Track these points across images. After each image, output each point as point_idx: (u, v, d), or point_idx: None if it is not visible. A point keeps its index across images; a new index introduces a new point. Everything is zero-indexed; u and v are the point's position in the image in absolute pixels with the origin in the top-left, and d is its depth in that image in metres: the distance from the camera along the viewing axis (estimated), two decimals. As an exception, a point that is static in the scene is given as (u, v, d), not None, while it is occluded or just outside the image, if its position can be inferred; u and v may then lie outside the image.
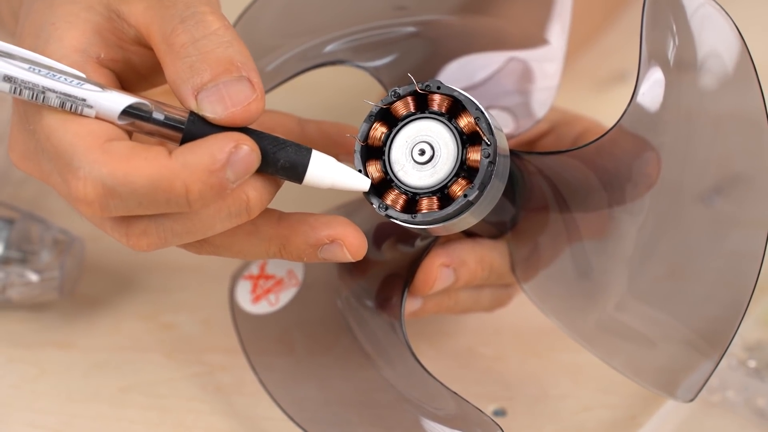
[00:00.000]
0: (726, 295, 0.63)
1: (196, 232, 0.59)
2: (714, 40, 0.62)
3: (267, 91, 0.68)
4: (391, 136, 0.63)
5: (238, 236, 0.61)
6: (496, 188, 0.63)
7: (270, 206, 0.61)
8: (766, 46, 0.72)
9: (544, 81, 0.70)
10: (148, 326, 0.80)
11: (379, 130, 0.63)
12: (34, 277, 0.78)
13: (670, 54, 0.63)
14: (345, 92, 0.91)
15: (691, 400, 0.65)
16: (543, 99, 0.70)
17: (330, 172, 0.60)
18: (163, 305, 0.81)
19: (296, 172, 0.59)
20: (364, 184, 0.62)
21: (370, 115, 0.63)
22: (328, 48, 0.70)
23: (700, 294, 0.64)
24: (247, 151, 0.57)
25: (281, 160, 0.59)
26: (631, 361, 0.67)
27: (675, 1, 0.62)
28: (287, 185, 0.61)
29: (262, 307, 0.73)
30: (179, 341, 0.79)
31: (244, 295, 0.74)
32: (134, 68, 0.62)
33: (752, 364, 0.75)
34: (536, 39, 0.70)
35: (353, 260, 0.62)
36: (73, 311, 0.80)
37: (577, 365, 0.77)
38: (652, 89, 0.63)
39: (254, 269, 0.74)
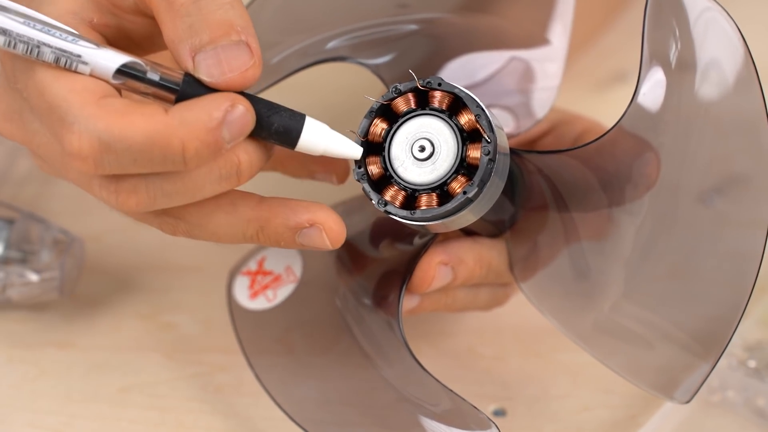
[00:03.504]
0: (724, 298, 0.63)
1: (186, 193, 0.58)
2: (717, 44, 0.62)
3: (268, 87, 0.68)
4: (392, 132, 0.63)
5: (215, 215, 0.60)
6: (496, 186, 0.63)
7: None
8: (765, 45, 0.72)
9: (545, 81, 0.70)
10: (148, 326, 0.80)
11: (379, 126, 0.63)
12: (34, 277, 0.78)
13: (672, 55, 0.63)
14: (344, 90, 0.91)
15: (688, 402, 0.65)
16: (544, 99, 0.70)
17: (323, 139, 0.60)
18: (163, 305, 0.81)
19: (290, 137, 0.59)
20: (356, 151, 0.62)
21: (370, 111, 0.63)
22: (330, 45, 0.70)
23: (697, 296, 0.64)
24: (243, 111, 0.57)
25: (275, 125, 0.59)
26: (627, 362, 0.67)
27: (677, 4, 0.62)
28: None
29: (260, 303, 0.73)
30: (179, 341, 0.79)
31: (241, 291, 0.74)
32: (127, 35, 0.61)
33: (752, 364, 0.75)
34: (538, 39, 0.70)
35: (332, 248, 0.61)
36: (73, 311, 0.80)
37: (577, 365, 0.77)
38: (653, 90, 0.63)
39: (252, 265, 0.74)
